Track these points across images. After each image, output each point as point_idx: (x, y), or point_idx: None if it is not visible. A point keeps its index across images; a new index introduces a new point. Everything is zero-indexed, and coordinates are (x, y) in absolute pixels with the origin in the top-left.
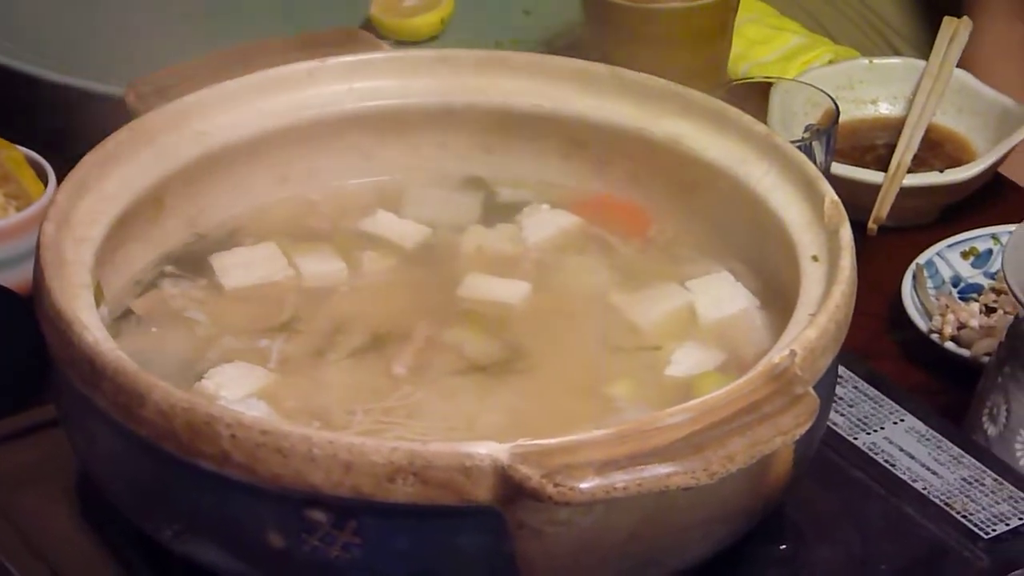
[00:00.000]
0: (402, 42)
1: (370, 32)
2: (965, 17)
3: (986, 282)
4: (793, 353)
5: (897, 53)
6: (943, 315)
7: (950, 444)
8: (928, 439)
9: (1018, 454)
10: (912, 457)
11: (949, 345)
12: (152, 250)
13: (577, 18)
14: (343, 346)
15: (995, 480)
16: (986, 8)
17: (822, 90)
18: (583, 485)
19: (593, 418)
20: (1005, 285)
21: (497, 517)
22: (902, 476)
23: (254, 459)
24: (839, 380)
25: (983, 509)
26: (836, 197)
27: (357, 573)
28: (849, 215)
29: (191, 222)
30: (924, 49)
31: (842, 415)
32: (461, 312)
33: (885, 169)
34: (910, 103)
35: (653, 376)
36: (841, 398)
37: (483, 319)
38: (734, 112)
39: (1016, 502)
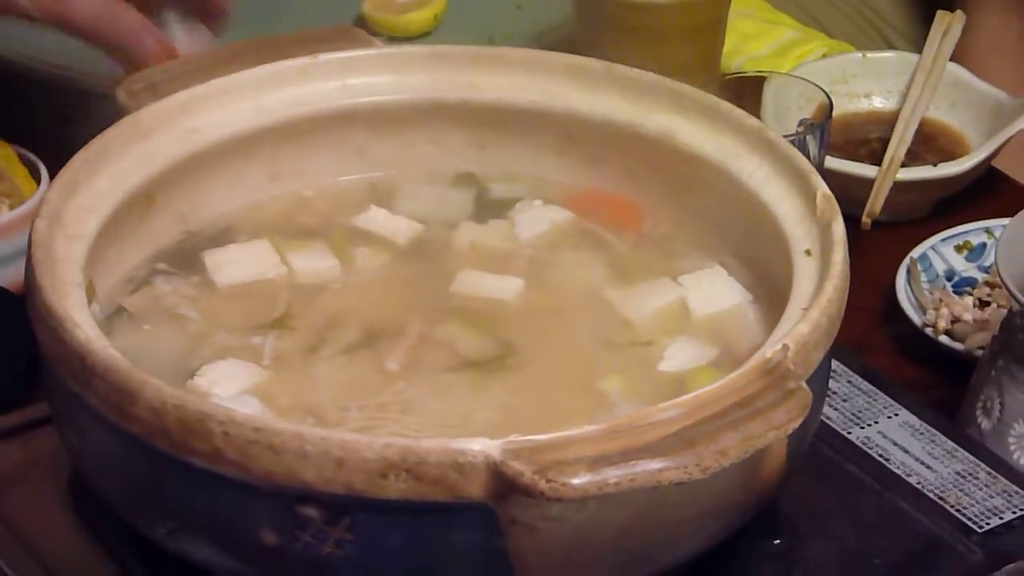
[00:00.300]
0: (395, 38)
1: (363, 29)
2: (959, 11)
3: (980, 276)
4: (786, 347)
5: (891, 47)
6: (937, 309)
7: (944, 438)
8: (922, 433)
9: (1012, 448)
10: (906, 451)
11: (943, 339)
12: (144, 247)
13: (569, 13)
14: (336, 343)
15: (989, 474)
16: (980, 3)
17: (816, 84)
18: (575, 481)
19: (586, 414)
20: (998, 279)
21: (489, 513)
22: (896, 470)
23: (246, 456)
24: (833, 374)
25: (977, 503)
26: (828, 191)
27: (350, 570)
28: (843, 209)
29: (183, 219)
30: (918, 43)
31: (836, 409)
32: (454, 308)
33: (879, 163)
34: (904, 97)
35: (646, 371)
36: (835, 392)
37: (476, 315)
38: (726, 107)
39: (1010, 496)
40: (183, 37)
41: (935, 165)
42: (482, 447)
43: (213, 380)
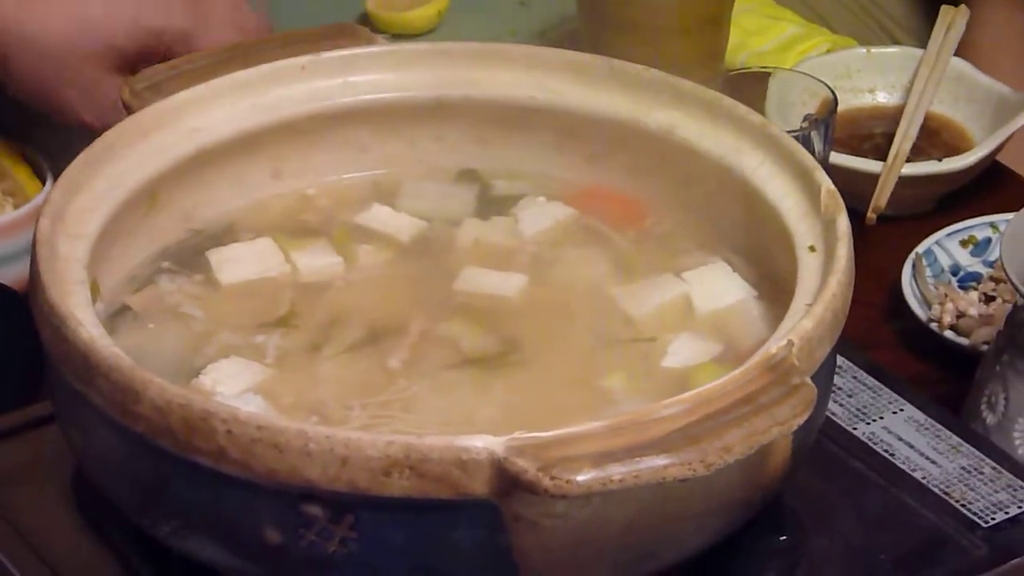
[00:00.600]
0: (398, 36)
1: (366, 26)
2: (963, 6)
3: (985, 271)
4: (790, 343)
5: (895, 42)
6: (942, 304)
7: (949, 433)
8: (927, 428)
9: (1016, 442)
10: (911, 446)
11: (948, 334)
12: (148, 246)
13: (572, 10)
14: (339, 341)
15: (994, 469)
16: None
17: (820, 80)
18: (579, 478)
19: (589, 410)
20: (1003, 274)
21: (493, 510)
22: (901, 465)
23: (250, 454)
24: (837, 370)
25: (982, 498)
26: (832, 186)
27: (354, 568)
28: (848, 204)
29: (187, 218)
30: (922, 38)
31: (841, 405)
32: (457, 305)
33: (883, 158)
34: (908, 92)
35: (649, 368)
36: (840, 388)
37: (479, 312)
38: (729, 102)
39: (1015, 490)
40: None
41: (940, 160)
42: (486, 444)
43: (217, 379)
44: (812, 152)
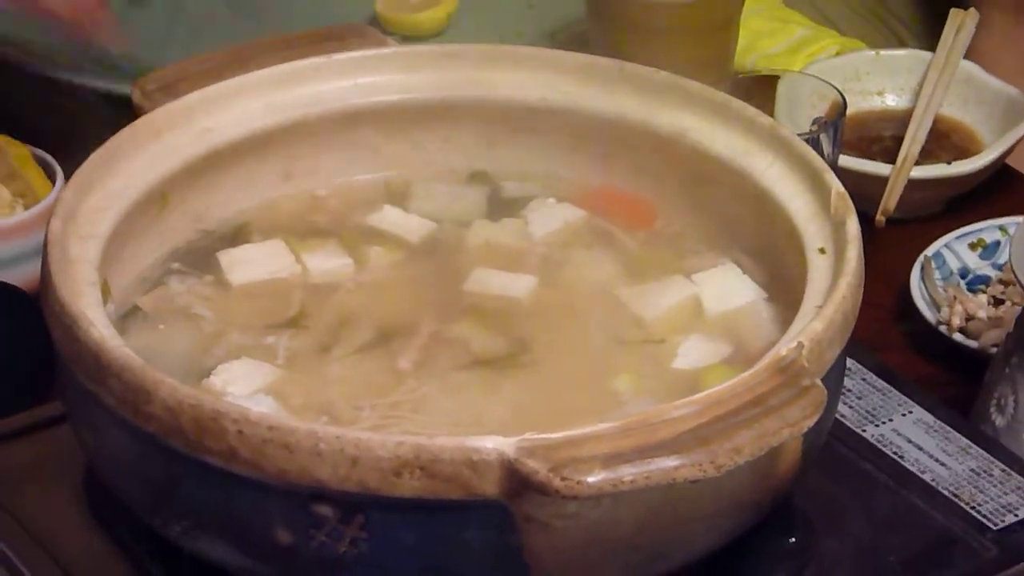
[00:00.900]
0: (407, 38)
1: (375, 28)
2: (972, 9)
3: (994, 273)
4: (800, 345)
5: (903, 45)
6: (951, 306)
7: (958, 435)
8: (936, 430)
9: None
10: (920, 448)
11: (957, 336)
12: (159, 247)
13: (581, 12)
14: (349, 342)
15: (1003, 471)
16: (993, 0)
17: (829, 82)
18: (590, 478)
19: (599, 412)
20: (1012, 276)
21: (504, 511)
22: (910, 467)
23: (261, 455)
24: (847, 372)
25: (991, 500)
26: (842, 189)
27: (364, 568)
28: (856, 207)
29: (197, 218)
30: (930, 41)
31: (850, 407)
32: (467, 307)
33: (892, 161)
34: (917, 94)
35: (659, 369)
36: (849, 390)
37: (489, 313)
38: (739, 104)
39: None
40: None
41: (949, 163)
42: (496, 445)
43: (227, 379)
44: (821, 155)
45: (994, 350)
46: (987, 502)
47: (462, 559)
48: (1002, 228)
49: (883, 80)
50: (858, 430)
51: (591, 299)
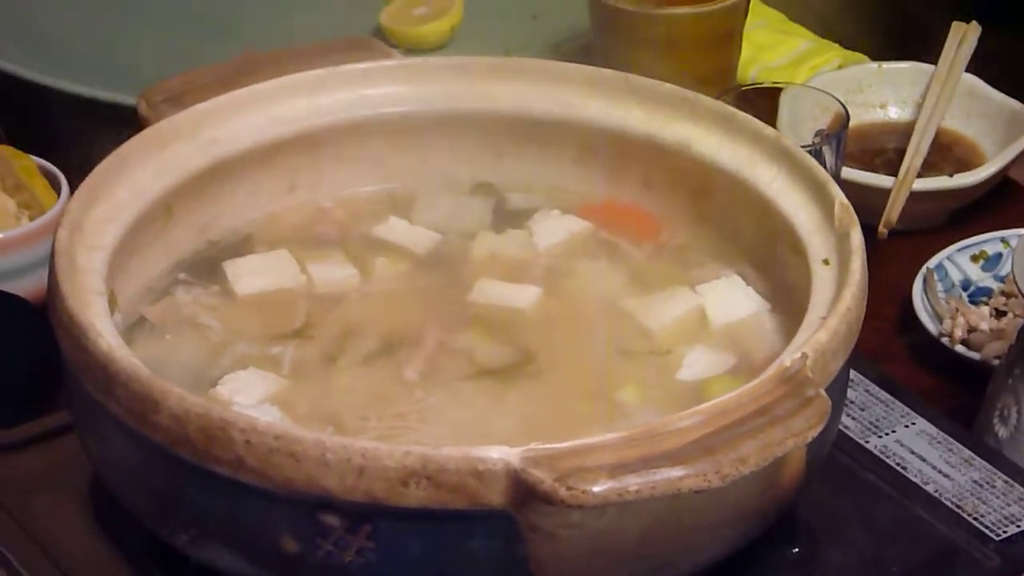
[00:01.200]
0: (412, 50)
1: (380, 41)
2: (974, 22)
3: (996, 285)
4: (804, 356)
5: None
6: (953, 318)
7: (961, 446)
8: (939, 442)
9: None
10: (923, 460)
11: (959, 348)
12: (165, 257)
13: (585, 24)
14: (355, 352)
15: (1006, 482)
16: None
17: (831, 94)
18: (595, 488)
19: (603, 422)
20: (1015, 288)
21: (510, 520)
22: (913, 479)
23: (268, 464)
24: (850, 383)
25: (994, 511)
26: (846, 200)
27: None
28: (859, 219)
29: (203, 229)
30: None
31: (853, 418)
32: (472, 317)
33: (895, 173)
34: (919, 107)
35: (664, 380)
36: (852, 401)
37: (494, 324)
38: (743, 117)
39: None
40: None
41: (951, 175)
42: (502, 455)
43: (234, 389)
44: (824, 167)
45: (996, 362)
46: (990, 513)
47: (468, 569)
48: (1004, 240)
49: (886, 92)
50: (861, 441)
51: (596, 310)
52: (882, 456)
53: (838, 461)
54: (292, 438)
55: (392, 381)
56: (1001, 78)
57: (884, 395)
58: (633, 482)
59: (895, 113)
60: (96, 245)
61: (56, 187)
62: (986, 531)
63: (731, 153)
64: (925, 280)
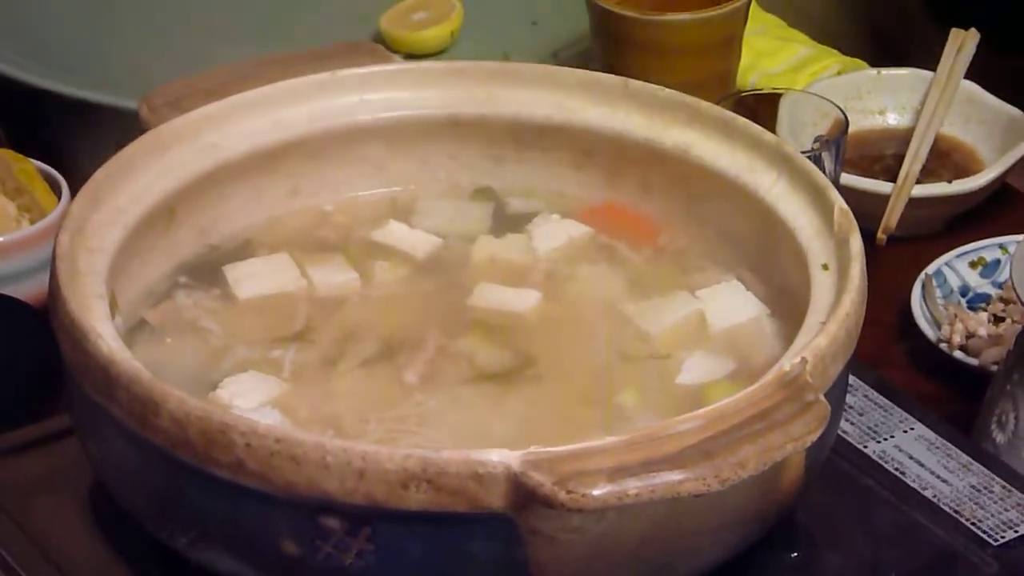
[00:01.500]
0: (412, 55)
1: (380, 45)
2: (972, 29)
3: (994, 291)
4: (804, 361)
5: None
6: (952, 324)
7: (959, 452)
8: (937, 447)
9: None
10: (922, 465)
11: (958, 354)
12: (166, 261)
13: (584, 29)
14: (355, 355)
15: (1004, 487)
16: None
17: (831, 100)
18: (595, 492)
19: (603, 426)
20: (1013, 294)
21: (510, 524)
22: (912, 484)
23: (268, 467)
24: (849, 388)
25: (992, 516)
26: (845, 206)
27: None
28: (858, 225)
29: (204, 233)
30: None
31: (852, 423)
32: (472, 321)
33: (894, 179)
34: (918, 113)
35: (663, 384)
36: (851, 407)
37: (494, 328)
38: (743, 122)
39: None
40: None
41: (950, 181)
42: (502, 458)
43: (234, 392)
44: (823, 173)
45: (995, 368)
46: (988, 518)
47: (468, 572)
48: (1002, 247)
49: (884, 99)
50: (860, 446)
51: (595, 314)
52: (880, 461)
53: (837, 466)
54: (293, 441)
55: (392, 385)
56: (999, 85)
57: (883, 400)
58: (633, 486)
59: (894, 119)
60: (97, 248)
61: (56, 191)
62: (984, 536)
63: (731, 158)
64: (924, 286)
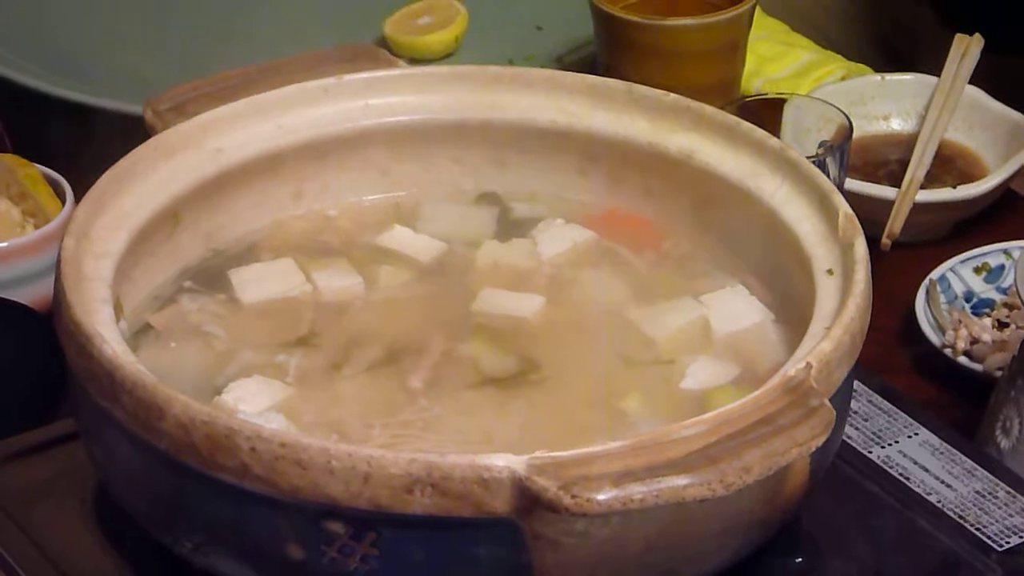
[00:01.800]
0: (416, 60)
1: (384, 50)
2: (976, 34)
3: (998, 297)
4: (809, 366)
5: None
6: (956, 330)
7: (963, 457)
8: (942, 452)
9: None
10: (926, 470)
11: (962, 360)
12: (170, 265)
13: (589, 35)
14: (359, 360)
15: (1008, 493)
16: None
17: (835, 106)
18: (600, 496)
19: (607, 431)
20: (1017, 300)
21: (514, 528)
22: (916, 489)
23: (273, 471)
24: (853, 394)
25: (996, 521)
26: (850, 211)
27: None
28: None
29: (209, 238)
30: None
31: (857, 429)
32: (476, 326)
33: (898, 185)
34: (922, 119)
35: (667, 389)
36: (856, 412)
37: (498, 333)
38: (747, 126)
39: None
40: None
41: (954, 187)
42: (507, 463)
43: (239, 397)
44: (827, 178)
45: (999, 373)
46: (992, 524)
47: None
48: (1007, 252)
49: (888, 105)
50: (864, 451)
51: (600, 319)
52: (885, 466)
53: (841, 471)
54: (298, 446)
55: (397, 389)
56: (1008, 87)
57: (887, 406)
58: (637, 490)
59: (898, 125)
60: (102, 253)
61: (60, 195)
62: (989, 542)
63: (735, 163)
64: (928, 292)
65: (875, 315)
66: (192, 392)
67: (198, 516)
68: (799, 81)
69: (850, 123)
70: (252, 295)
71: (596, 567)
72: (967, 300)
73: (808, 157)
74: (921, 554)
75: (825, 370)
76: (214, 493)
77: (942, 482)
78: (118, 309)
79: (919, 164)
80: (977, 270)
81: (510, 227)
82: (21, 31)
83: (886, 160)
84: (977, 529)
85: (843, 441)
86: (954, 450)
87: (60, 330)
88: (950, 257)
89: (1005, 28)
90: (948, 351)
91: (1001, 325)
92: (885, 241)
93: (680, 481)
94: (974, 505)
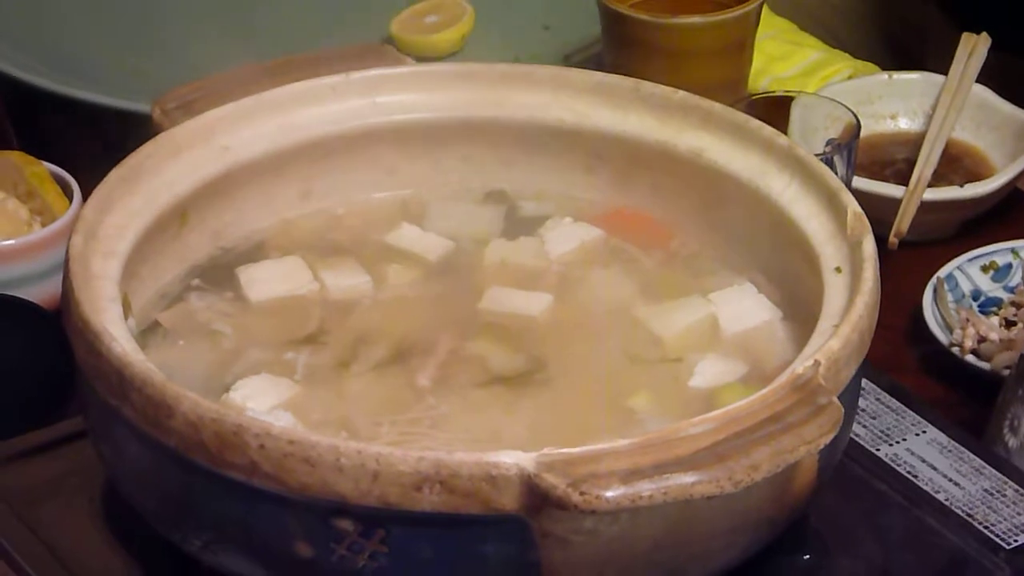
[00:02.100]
0: (423, 59)
1: (391, 48)
2: (984, 33)
3: (1006, 296)
4: (817, 363)
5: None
6: (963, 328)
7: (971, 455)
8: (950, 451)
9: None
10: (934, 468)
11: (969, 358)
12: (178, 263)
13: (596, 33)
14: (367, 358)
15: (1016, 491)
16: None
17: (843, 104)
18: (608, 494)
19: (615, 429)
20: None
21: (523, 526)
22: (924, 487)
23: (282, 469)
24: (861, 392)
25: (1004, 520)
26: (859, 209)
27: None
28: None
29: (216, 236)
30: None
31: (864, 427)
32: (484, 324)
33: (905, 183)
34: (929, 118)
35: (675, 388)
36: (863, 410)
37: (506, 332)
38: (755, 124)
39: None
40: None
41: (961, 186)
42: (516, 460)
43: (247, 395)
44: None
45: (1006, 372)
46: (1000, 522)
47: (480, 574)
48: (1014, 251)
49: (896, 103)
50: (872, 449)
51: (608, 318)
52: (893, 464)
53: (849, 469)
54: (307, 443)
55: (405, 387)
56: (1017, 85)
57: (895, 404)
58: (646, 488)
59: (905, 124)
60: (110, 251)
61: (68, 193)
62: (997, 540)
63: (743, 161)
64: (935, 290)
65: (882, 314)
66: (200, 390)
67: (207, 514)
68: (806, 80)
69: (858, 121)
70: (260, 293)
71: (604, 565)
72: (974, 299)
73: (816, 155)
74: (929, 552)
75: (833, 368)
76: (223, 491)
77: (950, 480)
78: (126, 307)
79: (926, 163)
80: (984, 269)
81: (518, 225)
82: (27, 29)
83: (893, 159)
84: (985, 527)
85: (851, 439)
86: (962, 448)
87: (68, 328)
88: (957, 256)
89: (1012, 27)
90: (955, 350)
91: (1008, 324)
92: (892, 240)
93: (688, 478)
94: (982, 503)
